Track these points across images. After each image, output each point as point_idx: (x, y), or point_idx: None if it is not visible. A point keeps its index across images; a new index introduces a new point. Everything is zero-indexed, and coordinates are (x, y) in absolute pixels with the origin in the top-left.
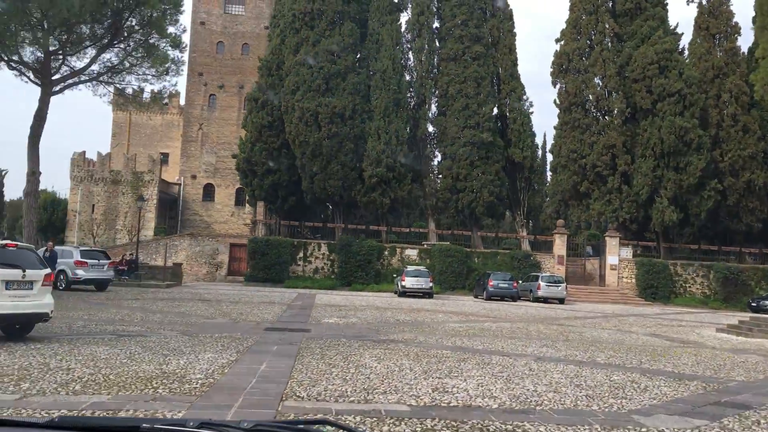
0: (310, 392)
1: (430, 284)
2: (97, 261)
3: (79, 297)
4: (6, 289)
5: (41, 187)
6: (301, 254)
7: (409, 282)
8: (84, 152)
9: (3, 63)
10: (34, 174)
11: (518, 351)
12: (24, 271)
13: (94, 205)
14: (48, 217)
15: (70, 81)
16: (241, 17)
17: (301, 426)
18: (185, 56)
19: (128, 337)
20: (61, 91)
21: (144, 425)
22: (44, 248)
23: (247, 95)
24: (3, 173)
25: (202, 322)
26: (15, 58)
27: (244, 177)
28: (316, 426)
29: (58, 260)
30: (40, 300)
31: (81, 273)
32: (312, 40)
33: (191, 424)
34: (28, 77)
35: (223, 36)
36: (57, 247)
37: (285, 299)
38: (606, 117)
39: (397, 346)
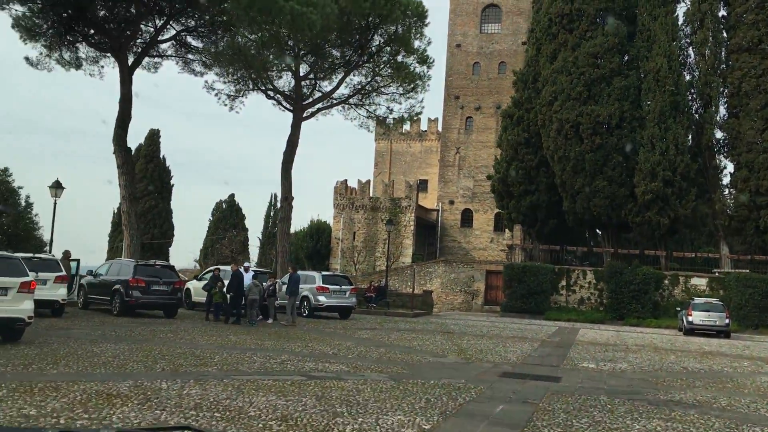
0: None
1: (726, 320)
2: (339, 287)
3: (315, 325)
4: None
5: (310, 215)
6: (563, 282)
7: (697, 317)
8: (345, 180)
9: (260, 92)
10: (287, 200)
11: None
12: None
13: (355, 232)
14: (314, 245)
15: (319, 105)
16: (497, 35)
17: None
18: (431, 71)
19: (318, 380)
20: (311, 116)
21: None
22: (287, 273)
23: (502, 112)
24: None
25: (427, 361)
26: (270, 87)
27: (500, 199)
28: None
29: (301, 285)
30: (15, 306)
31: (323, 299)
32: (571, 44)
33: (50, 430)
34: (283, 105)
35: (479, 56)
36: (301, 272)
37: (540, 334)
38: None
39: (687, 414)
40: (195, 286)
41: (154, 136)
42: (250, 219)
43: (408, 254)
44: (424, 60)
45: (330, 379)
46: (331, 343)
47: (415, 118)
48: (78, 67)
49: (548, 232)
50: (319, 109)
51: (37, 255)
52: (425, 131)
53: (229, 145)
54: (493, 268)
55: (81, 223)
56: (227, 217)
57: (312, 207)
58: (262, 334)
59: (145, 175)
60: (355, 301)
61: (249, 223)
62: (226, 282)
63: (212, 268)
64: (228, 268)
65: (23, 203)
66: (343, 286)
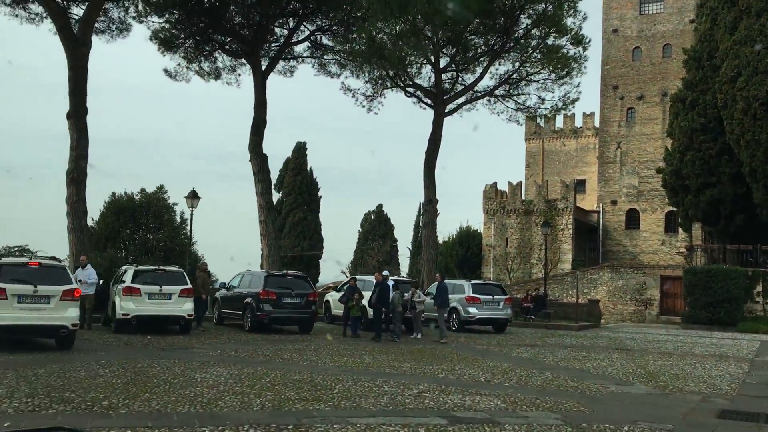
0: None
1: None
2: (491, 297)
3: (466, 341)
4: (18, 302)
5: (459, 222)
6: (759, 288)
7: None
8: (495, 183)
9: (399, 89)
10: (431, 203)
11: None
12: (35, 287)
13: (507, 238)
14: (464, 253)
15: (462, 99)
16: (660, 15)
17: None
18: (588, 52)
19: (463, 426)
20: (454, 111)
21: None
22: (435, 282)
23: (671, 96)
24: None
25: (609, 391)
26: (409, 82)
27: (673, 195)
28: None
29: (450, 295)
30: (57, 314)
31: (473, 311)
32: (755, 9)
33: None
34: (423, 101)
35: (639, 40)
36: (448, 281)
37: (742, 351)
38: None
39: None
40: (334, 298)
41: (300, 149)
42: (399, 229)
43: (567, 260)
44: (578, 40)
45: (480, 423)
46: (484, 365)
47: (570, 107)
48: (217, 77)
49: (735, 229)
50: (462, 104)
51: (161, 267)
52: (580, 127)
53: (374, 157)
54: (668, 273)
55: (239, 238)
56: (375, 228)
57: (459, 213)
58: (402, 354)
59: (293, 188)
60: (511, 313)
61: (398, 233)
62: (366, 294)
63: (349, 278)
64: (370, 278)
65: (178, 219)
66: (496, 296)
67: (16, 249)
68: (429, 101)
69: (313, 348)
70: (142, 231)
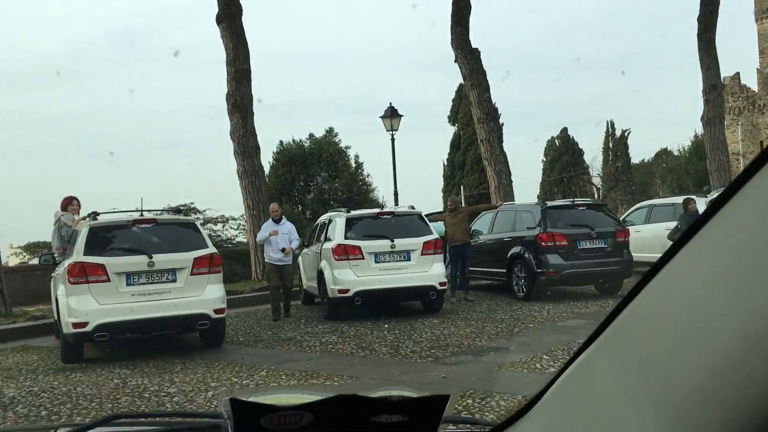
0: None
1: None
2: None
3: None
4: (127, 284)
5: (694, 129)
6: None
7: None
8: (737, 74)
9: None
10: (714, 89)
11: None
12: (151, 257)
13: (762, 141)
14: (703, 167)
15: None
16: None
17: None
18: None
19: None
20: None
21: None
22: None
23: None
24: (626, 133)
25: None
26: None
27: None
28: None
29: None
30: (190, 296)
31: None
32: None
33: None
34: None
35: None
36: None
37: None
38: None
39: None
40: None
41: None
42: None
43: None
44: None
45: None
46: None
47: None
48: None
49: None
50: None
51: (385, 210)
52: None
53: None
54: None
55: (412, 183)
56: (562, 156)
57: (684, 120)
58: None
59: (471, 118)
60: None
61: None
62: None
63: (684, 198)
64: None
65: (353, 164)
66: None
67: (181, 207)
68: None
69: None
70: (317, 181)
